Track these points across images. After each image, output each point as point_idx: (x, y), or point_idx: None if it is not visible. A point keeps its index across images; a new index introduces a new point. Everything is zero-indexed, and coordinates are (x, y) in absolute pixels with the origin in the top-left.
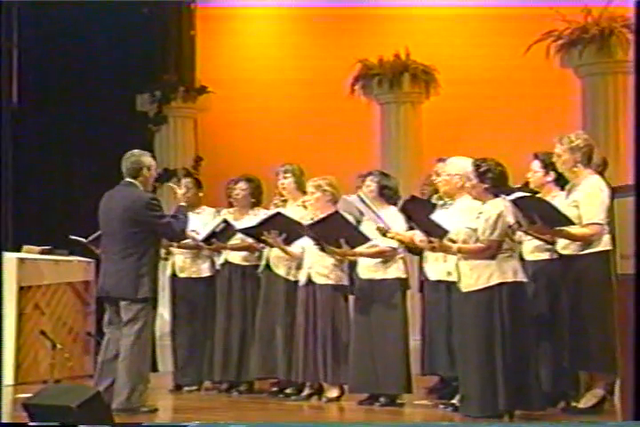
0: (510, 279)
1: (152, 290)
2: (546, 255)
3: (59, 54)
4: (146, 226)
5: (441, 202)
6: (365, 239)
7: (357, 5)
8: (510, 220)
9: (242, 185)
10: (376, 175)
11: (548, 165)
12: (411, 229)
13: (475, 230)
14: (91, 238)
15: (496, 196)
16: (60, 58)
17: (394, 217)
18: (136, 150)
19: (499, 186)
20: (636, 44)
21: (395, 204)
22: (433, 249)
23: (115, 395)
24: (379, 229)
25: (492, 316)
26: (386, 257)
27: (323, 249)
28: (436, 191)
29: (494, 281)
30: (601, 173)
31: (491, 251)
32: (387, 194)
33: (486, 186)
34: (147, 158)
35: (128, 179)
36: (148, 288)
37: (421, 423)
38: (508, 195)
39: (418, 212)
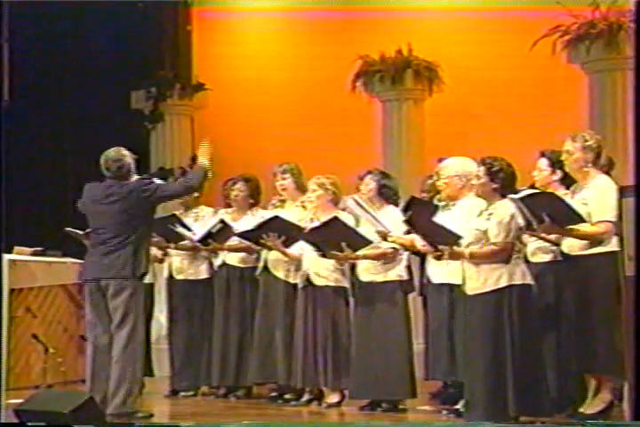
0: (519, 282)
1: (144, 271)
2: (549, 257)
3: (52, 50)
4: (146, 207)
5: (442, 203)
6: (367, 242)
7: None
8: (520, 220)
9: (240, 186)
10: (375, 174)
11: (555, 164)
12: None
13: (484, 232)
14: (88, 230)
15: (503, 196)
16: (53, 53)
17: (394, 217)
18: (113, 151)
19: (507, 187)
20: (636, 41)
21: (394, 203)
22: (439, 258)
23: (109, 399)
24: (378, 233)
25: (500, 319)
26: (388, 259)
27: (324, 255)
28: (437, 193)
29: (503, 283)
30: (607, 173)
31: (505, 253)
32: (386, 193)
33: (496, 186)
34: (129, 157)
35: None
36: (141, 270)
37: (422, 423)
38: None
39: (422, 217)
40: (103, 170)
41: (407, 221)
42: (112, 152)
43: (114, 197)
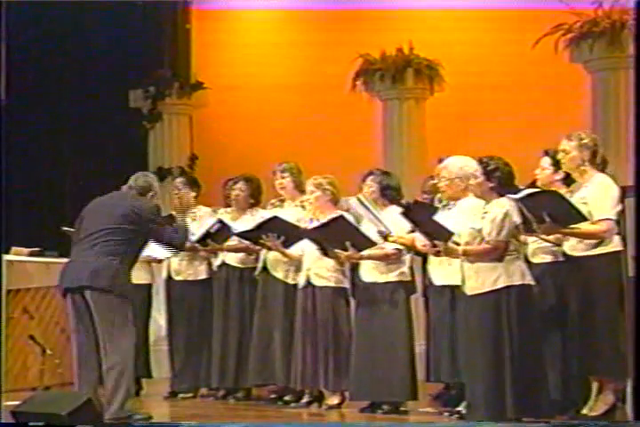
0: (518, 282)
1: (129, 288)
2: (549, 258)
3: (50, 48)
4: (145, 230)
5: (443, 203)
6: (371, 243)
7: None
8: (517, 219)
9: (241, 185)
10: (377, 175)
11: (558, 163)
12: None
13: (479, 231)
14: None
15: (501, 196)
16: (51, 52)
17: (397, 217)
18: (151, 173)
19: (505, 186)
20: (636, 40)
21: (398, 203)
22: (437, 254)
23: (106, 404)
24: (380, 233)
25: (499, 320)
26: (392, 260)
27: (326, 254)
28: (438, 193)
29: (501, 284)
30: (601, 172)
31: (498, 252)
32: (389, 194)
33: (492, 185)
34: (156, 184)
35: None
36: (127, 286)
37: (422, 423)
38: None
39: (420, 215)
40: (131, 181)
41: (405, 214)
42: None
43: (120, 202)
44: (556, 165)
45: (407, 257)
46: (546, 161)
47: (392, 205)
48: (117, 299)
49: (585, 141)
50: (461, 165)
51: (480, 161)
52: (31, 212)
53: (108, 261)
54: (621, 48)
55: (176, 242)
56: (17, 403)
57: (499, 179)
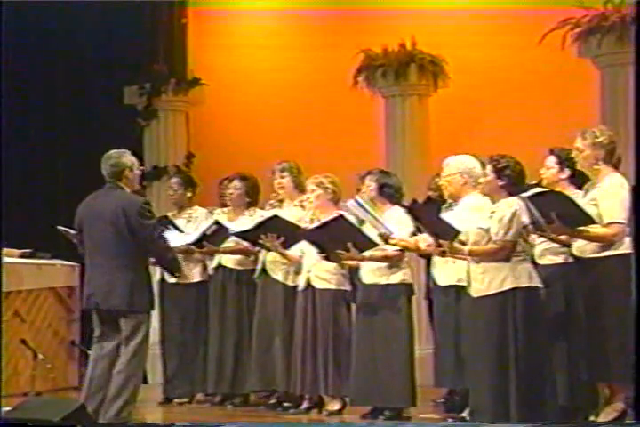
0: (525, 284)
1: (149, 302)
2: (559, 259)
3: (41, 44)
4: (135, 233)
5: (445, 205)
6: (372, 244)
7: None
8: (525, 219)
9: (237, 184)
10: (375, 174)
11: (564, 162)
12: (417, 232)
13: (487, 230)
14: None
15: (510, 194)
16: (44, 48)
17: (398, 218)
18: (114, 151)
19: (515, 185)
20: (636, 37)
21: (398, 203)
22: (442, 254)
23: (104, 408)
24: (380, 235)
25: (504, 323)
26: (393, 261)
27: (327, 258)
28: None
29: (508, 286)
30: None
31: (505, 252)
32: (387, 193)
33: (502, 183)
34: (127, 158)
35: (111, 181)
36: (144, 300)
37: (422, 423)
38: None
39: (426, 213)
40: (102, 170)
41: (411, 213)
42: (114, 151)
43: (107, 205)
44: (562, 164)
45: (407, 259)
46: (551, 160)
47: (392, 204)
48: (134, 314)
49: (599, 140)
50: (463, 161)
51: (490, 159)
52: (23, 212)
53: (120, 276)
54: (631, 43)
55: (155, 251)
56: (8, 409)
57: (509, 177)
